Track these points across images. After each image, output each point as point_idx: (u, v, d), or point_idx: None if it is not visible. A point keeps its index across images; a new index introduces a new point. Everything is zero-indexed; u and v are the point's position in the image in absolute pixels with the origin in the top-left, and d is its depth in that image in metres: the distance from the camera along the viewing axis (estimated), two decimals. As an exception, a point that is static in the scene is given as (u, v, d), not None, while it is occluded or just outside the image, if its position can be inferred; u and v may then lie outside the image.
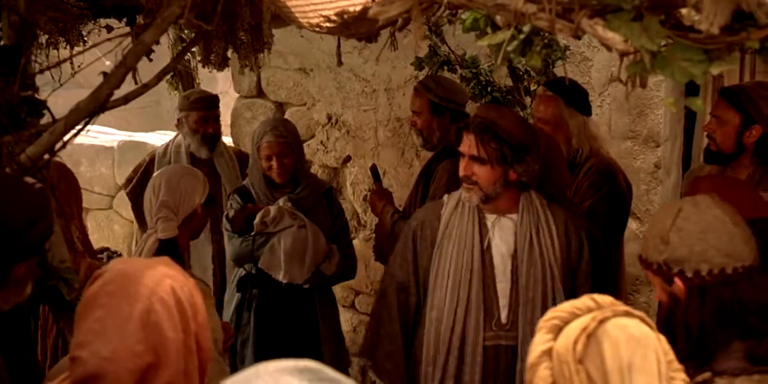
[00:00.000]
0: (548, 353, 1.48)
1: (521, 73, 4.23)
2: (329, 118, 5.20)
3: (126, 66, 1.98)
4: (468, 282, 2.91)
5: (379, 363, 3.09)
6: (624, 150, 4.50)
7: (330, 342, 4.02)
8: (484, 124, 2.87)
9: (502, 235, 2.94)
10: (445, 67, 4.41)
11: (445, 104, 3.96)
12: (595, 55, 4.43)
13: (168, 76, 4.92)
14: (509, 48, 1.74)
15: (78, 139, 7.26)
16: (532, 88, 4.21)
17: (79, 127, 2.11)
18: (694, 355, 1.86)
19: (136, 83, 2.23)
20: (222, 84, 8.87)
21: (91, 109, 1.98)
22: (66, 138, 2.05)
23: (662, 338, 1.50)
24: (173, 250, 2.85)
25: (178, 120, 4.55)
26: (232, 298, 3.99)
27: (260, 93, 5.44)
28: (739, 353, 1.78)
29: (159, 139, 6.61)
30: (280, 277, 3.83)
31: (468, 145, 2.88)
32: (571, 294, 2.81)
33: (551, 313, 1.53)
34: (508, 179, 2.88)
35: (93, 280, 1.63)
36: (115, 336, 1.54)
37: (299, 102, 5.31)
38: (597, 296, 1.53)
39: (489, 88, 4.36)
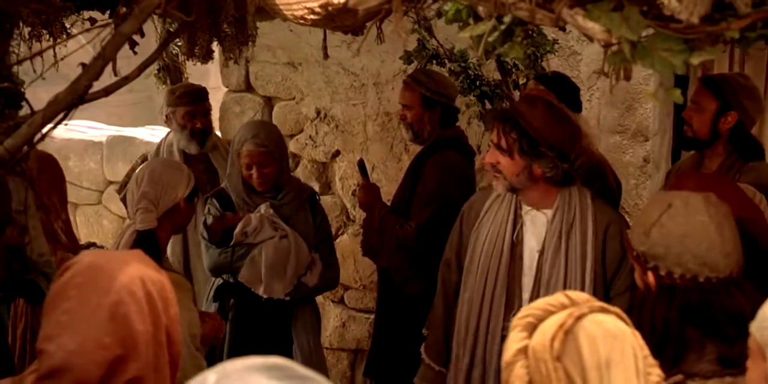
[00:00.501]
0: (524, 351, 1.47)
1: (509, 66, 4.21)
2: (318, 112, 5.17)
3: (104, 58, 1.95)
4: (495, 271, 2.93)
5: (428, 337, 3.25)
6: (613, 144, 4.49)
7: (303, 359, 3.86)
8: (509, 113, 2.87)
9: (534, 229, 2.92)
10: (434, 61, 4.39)
11: (436, 98, 3.94)
12: (584, 49, 4.42)
13: (156, 71, 4.89)
14: (490, 39, 1.72)
15: (67, 134, 7.26)
16: (521, 81, 4.19)
17: (59, 118, 2.09)
18: (656, 350, 1.84)
19: (115, 75, 2.20)
20: (214, 79, 8.82)
21: (69, 102, 1.95)
22: (45, 130, 2.01)
23: (637, 334, 1.49)
24: (152, 242, 2.82)
25: (166, 116, 4.45)
26: (208, 308, 3.86)
27: (249, 87, 5.41)
28: (712, 355, 1.77)
29: (148, 134, 6.57)
30: (260, 291, 3.70)
31: (494, 133, 2.90)
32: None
33: (525, 310, 1.52)
34: (533, 173, 2.84)
35: (62, 272, 1.61)
36: (83, 328, 1.52)
37: (288, 96, 5.29)
38: (571, 293, 1.52)
39: (478, 82, 4.34)
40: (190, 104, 4.33)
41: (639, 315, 1.91)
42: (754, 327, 1.48)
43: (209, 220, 3.73)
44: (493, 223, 2.97)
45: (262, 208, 3.70)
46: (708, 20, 1.40)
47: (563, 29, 1.88)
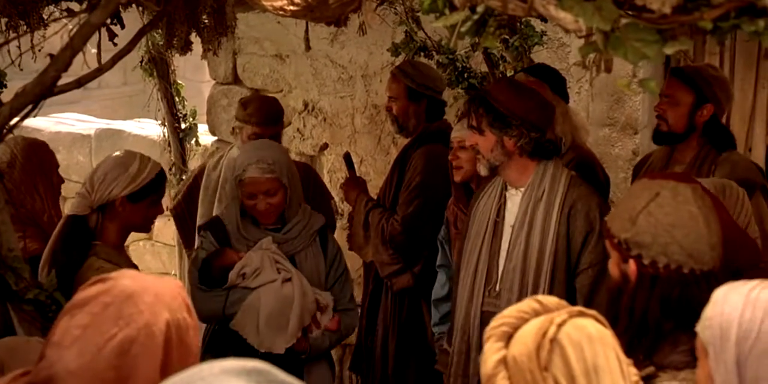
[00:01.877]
0: (503, 362, 1.43)
1: (497, 59, 4.18)
2: (306, 105, 5.14)
3: (73, 48, 1.91)
4: (479, 249, 3.00)
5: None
6: (602, 137, 4.46)
7: None
8: (476, 93, 2.97)
9: (512, 206, 2.99)
10: (422, 53, 4.36)
11: (422, 91, 3.91)
12: (573, 41, 4.38)
13: (139, 63, 4.85)
14: (463, 29, 1.68)
15: (55, 127, 7.24)
16: (509, 74, 4.15)
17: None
18: (632, 341, 1.83)
19: (88, 67, 2.17)
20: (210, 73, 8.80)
21: (37, 93, 1.91)
22: (13, 122, 1.98)
23: (615, 336, 1.47)
24: (82, 230, 2.77)
25: (232, 129, 4.02)
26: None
27: (236, 79, 5.37)
28: (685, 347, 1.74)
29: (137, 127, 6.53)
30: (256, 345, 3.10)
31: (468, 116, 2.98)
32: (569, 279, 2.85)
33: (498, 319, 1.48)
34: (505, 147, 2.91)
35: (94, 282, 1.53)
36: (89, 353, 1.45)
37: (275, 89, 5.25)
38: (541, 297, 1.49)
39: (465, 74, 4.31)
40: (259, 125, 3.77)
41: (616, 305, 1.90)
42: (699, 327, 1.47)
43: (201, 255, 3.19)
44: (484, 206, 3.05)
45: (264, 243, 3.14)
46: (681, 10, 1.37)
47: (545, 20, 1.85)
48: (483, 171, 2.99)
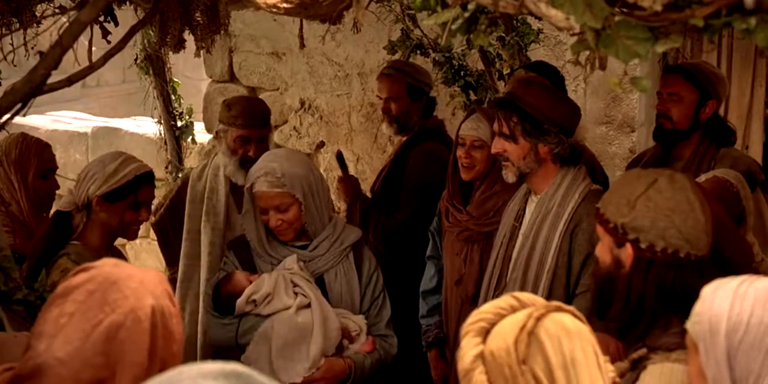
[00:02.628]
0: (481, 357, 1.43)
1: (493, 57, 4.16)
2: (302, 103, 5.13)
3: (62, 46, 1.89)
4: (497, 253, 2.97)
5: None
6: (599, 135, 4.45)
7: None
8: (507, 99, 2.85)
9: (529, 213, 2.92)
10: (418, 51, 4.35)
11: (422, 87, 3.89)
12: (570, 39, 4.36)
13: (134, 61, 4.84)
14: (454, 26, 1.67)
15: (52, 125, 7.22)
16: (505, 72, 4.14)
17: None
18: (627, 325, 1.86)
19: (79, 64, 2.15)
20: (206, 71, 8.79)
21: (27, 91, 1.89)
22: (2, 120, 1.96)
23: (592, 331, 1.47)
24: (64, 227, 2.76)
25: (216, 133, 3.71)
26: None
27: (232, 77, 5.36)
28: (677, 329, 1.75)
29: (134, 125, 6.52)
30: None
31: (496, 122, 2.87)
32: (566, 289, 2.76)
33: (475, 315, 1.48)
34: (539, 154, 2.82)
35: (77, 272, 1.53)
36: (77, 340, 1.45)
37: (272, 87, 5.24)
38: (519, 294, 1.49)
39: (462, 72, 4.30)
40: (245, 127, 3.46)
41: (607, 290, 1.91)
42: (689, 323, 1.48)
43: (219, 276, 2.92)
44: (510, 209, 3.01)
45: (287, 262, 2.84)
46: (672, 7, 1.35)
47: (539, 18, 1.83)
48: (511, 178, 2.88)
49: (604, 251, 1.95)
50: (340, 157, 4.05)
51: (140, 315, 1.49)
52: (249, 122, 3.47)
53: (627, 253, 1.88)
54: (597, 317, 2.07)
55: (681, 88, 3.24)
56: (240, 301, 2.76)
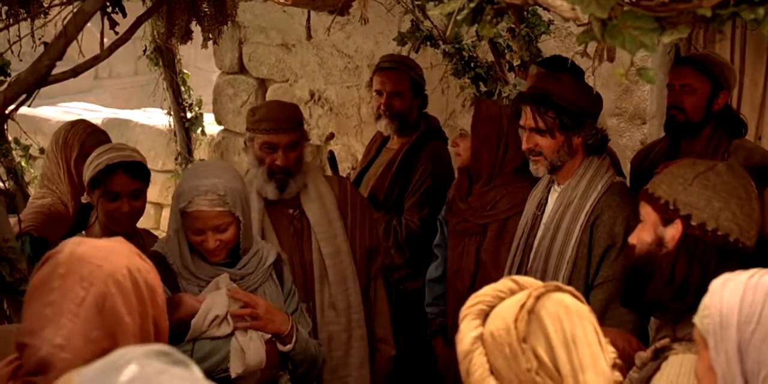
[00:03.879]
0: (480, 339, 1.44)
1: (503, 48, 4.13)
2: (312, 94, 5.11)
3: (67, 37, 1.89)
4: (517, 244, 2.96)
5: None
6: (610, 127, 4.41)
7: None
8: (539, 94, 2.81)
9: (551, 203, 2.92)
10: (428, 43, 4.31)
11: (422, 83, 3.82)
12: (580, 30, 4.33)
13: (143, 52, 4.84)
14: (459, 17, 1.66)
15: (63, 117, 7.23)
16: (515, 63, 4.11)
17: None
18: (666, 304, 1.83)
19: (83, 55, 2.15)
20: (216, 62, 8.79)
21: (31, 82, 1.90)
22: (8, 110, 1.96)
23: (593, 312, 1.47)
24: (80, 219, 2.81)
25: (244, 143, 3.28)
26: None
27: (242, 69, 5.35)
28: None
29: (144, 116, 6.53)
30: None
31: (526, 117, 2.83)
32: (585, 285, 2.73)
33: (474, 298, 1.48)
34: (572, 146, 2.82)
35: (43, 262, 1.54)
36: (69, 322, 1.45)
37: (281, 78, 5.22)
38: (518, 277, 1.49)
39: (472, 64, 4.27)
40: (269, 132, 3.04)
41: (645, 268, 1.88)
42: (697, 318, 1.45)
43: None
44: (533, 197, 3.00)
45: (220, 281, 2.60)
46: (679, -3, 1.33)
47: (547, 9, 1.81)
48: (541, 172, 2.88)
49: (647, 231, 1.91)
50: (332, 157, 3.99)
51: (119, 278, 1.50)
52: (273, 126, 3.04)
53: (673, 231, 1.85)
54: (622, 302, 2.06)
55: (693, 80, 3.20)
56: (196, 320, 2.49)
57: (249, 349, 2.52)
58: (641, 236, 1.93)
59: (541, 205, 2.94)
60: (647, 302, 1.91)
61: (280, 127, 3.03)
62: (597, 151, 2.85)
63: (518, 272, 2.91)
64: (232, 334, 2.52)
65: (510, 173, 3.21)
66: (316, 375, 2.86)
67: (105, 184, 2.74)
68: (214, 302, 2.52)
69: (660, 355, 1.79)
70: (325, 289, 3.09)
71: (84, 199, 2.82)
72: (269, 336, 2.58)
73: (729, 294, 1.42)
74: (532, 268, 2.87)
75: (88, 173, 2.75)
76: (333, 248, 3.08)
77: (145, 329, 1.52)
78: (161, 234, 6.33)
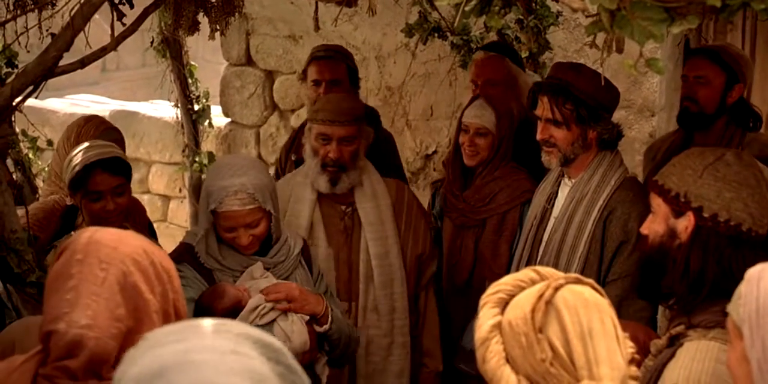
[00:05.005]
0: (498, 327, 1.43)
1: (511, 39, 4.12)
2: (319, 86, 5.09)
3: (74, 28, 1.89)
4: (526, 237, 2.93)
5: None
6: (618, 119, 4.38)
7: None
8: (558, 85, 2.77)
9: (562, 197, 2.89)
10: (436, 34, 4.30)
11: (357, 71, 3.71)
12: (589, 21, 4.31)
13: (150, 43, 4.83)
14: (467, 8, 1.65)
15: (70, 109, 7.24)
16: (524, 55, 4.10)
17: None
18: (681, 297, 1.82)
19: (90, 47, 2.14)
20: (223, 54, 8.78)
21: (39, 73, 1.89)
22: (15, 102, 1.96)
23: (612, 306, 1.45)
24: (70, 217, 2.77)
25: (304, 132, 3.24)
26: None
27: (249, 60, 5.34)
28: (718, 307, 1.72)
29: (152, 109, 6.53)
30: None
31: (543, 108, 2.79)
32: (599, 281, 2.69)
33: (495, 287, 1.48)
34: (587, 139, 2.79)
35: (60, 253, 1.54)
36: (93, 302, 1.45)
37: (289, 70, 5.21)
38: (540, 268, 1.48)
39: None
40: (324, 123, 2.96)
41: (660, 261, 1.88)
42: (731, 307, 1.43)
43: (189, 295, 2.45)
44: (542, 190, 2.97)
45: (255, 271, 2.64)
46: (689, -13, 1.32)
47: (556, 0, 1.81)
48: (554, 164, 2.85)
49: (658, 222, 1.91)
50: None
51: (136, 257, 1.51)
52: (329, 117, 2.96)
53: (685, 223, 1.84)
54: (639, 295, 2.06)
55: (708, 71, 3.16)
56: (244, 314, 2.52)
57: (293, 333, 2.53)
58: (653, 227, 1.92)
59: (551, 198, 2.91)
60: (663, 294, 1.90)
61: (335, 119, 2.96)
62: (610, 146, 2.83)
63: (527, 266, 2.88)
64: (273, 321, 2.54)
65: (507, 166, 3.19)
66: (351, 355, 2.83)
67: (85, 184, 2.68)
68: (258, 296, 2.53)
69: (675, 342, 1.79)
70: (370, 290, 3.03)
71: (69, 201, 2.78)
72: (307, 318, 2.58)
73: (766, 282, 1.40)
74: (542, 262, 2.84)
75: (67, 176, 2.69)
76: (382, 249, 3.02)
77: (165, 309, 1.52)
78: (169, 226, 6.35)
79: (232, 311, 2.48)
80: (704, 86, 3.18)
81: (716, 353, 1.69)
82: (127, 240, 1.54)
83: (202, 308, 2.49)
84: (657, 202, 1.92)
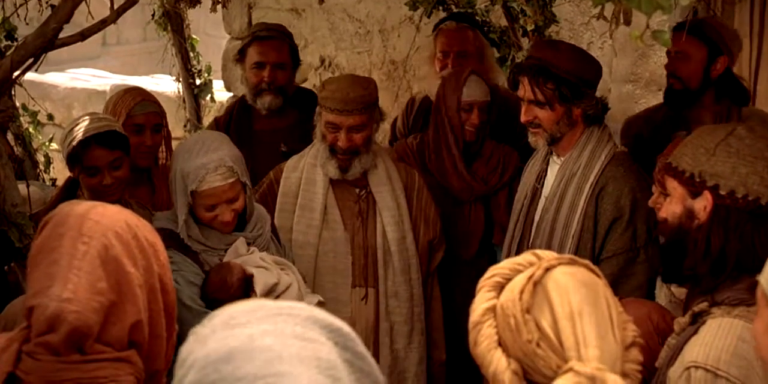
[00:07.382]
0: (492, 310, 1.40)
1: (516, 13, 4.07)
2: (322, 60, 5.06)
3: (74, 0, 1.85)
4: (516, 218, 2.90)
5: None
6: (625, 93, 4.36)
7: None
8: (537, 65, 2.72)
9: (551, 175, 2.85)
10: (440, 7, 4.25)
11: (298, 52, 3.59)
12: (596, -6, 4.26)
13: (152, 17, 4.79)
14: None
15: (71, 83, 7.18)
16: (529, 28, 4.05)
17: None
18: (707, 275, 1.79)
19: (92, 18, 2.11)
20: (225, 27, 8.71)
21: (38, 45, 1.86)
22: (15, 75, 1.93)
23: (609, 286, 1.41)
24: (71, 193, 2.71)
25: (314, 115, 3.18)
26: None
27: (252, 34, 5.28)
28: (743, 285, 1.71)
29: (153, 83, 6.49)
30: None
31: (524, 89, 2.74)
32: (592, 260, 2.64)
33: (492, 271, 1.44)
34: (572, 117, 2.74)
35: (42, 227, 1.53)
36: (74, 276, 1.43)
37: (291, 44, 5.16)
38: (539, 251, 1.45)
39: (485, 29, 4.20)
40: (333, 112, 2.90)
41: (681, 242, 1.85)
42: (762, 277, 1.40)
43: (188, 278, 2.51)
44: (531, 169, 2.94)
45: (240, 247, 2.61)
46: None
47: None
48: (541, 145, 2.80)
49: (674, 205, 1.88)
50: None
51: (118, 230, 1.49)
52: (338, 106, 2.86)
53: (703, 203, 1.82)
54: (663, 279, 2.03)
55: (686, 46, 3.03)
56: (260, 292, 2.50)
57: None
58: (671, 209, 1.89)
59: (541, 177, 2.87)
60: (685, 276, 1.88)
61: (344, 109, 2.86)
62: (597, 120, 2.78)
63: (519, 247, 2.85)
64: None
65: (490, 141, 3.22)
66: None
67: (82, 159, 2.64)
68: (267, 275, 2.53)
69: (698, 320, 1.77)
70: (389, 276, 2.98)
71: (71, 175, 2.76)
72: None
73: None
74: (535, 242, 2.81)
75: (64, 151, 2.66)
76: (399, 234, 2.98)
77: (150, 283, 1.49)
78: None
79: (245, 281, 2.49)
80: (684, 61, 3.09)
81: (740, 331, 1.66)
82: (110, 213, 1.52)
83: (216, 287, 2.49)
84: (672, 185, 1.89)
